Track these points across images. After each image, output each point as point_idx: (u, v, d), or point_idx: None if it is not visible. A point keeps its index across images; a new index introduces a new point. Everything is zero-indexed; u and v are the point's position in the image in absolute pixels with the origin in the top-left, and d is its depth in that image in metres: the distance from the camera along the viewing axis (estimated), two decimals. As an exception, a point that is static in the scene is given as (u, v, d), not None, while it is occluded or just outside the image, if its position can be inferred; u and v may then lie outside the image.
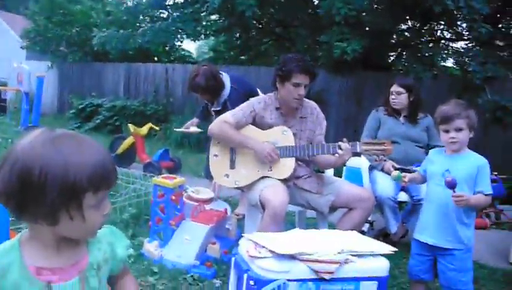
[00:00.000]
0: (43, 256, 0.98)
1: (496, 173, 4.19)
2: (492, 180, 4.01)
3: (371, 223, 3.51)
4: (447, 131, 2.05)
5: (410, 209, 3.30)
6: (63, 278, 0.98)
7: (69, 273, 0.99)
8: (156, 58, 11.15)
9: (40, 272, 0.97)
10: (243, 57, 10.34)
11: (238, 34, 9.32)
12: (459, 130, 2.02)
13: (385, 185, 3.06)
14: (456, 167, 2.03)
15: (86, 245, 1.03)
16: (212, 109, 3.64)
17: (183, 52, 12.16)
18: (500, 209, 4.26)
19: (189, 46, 16.46)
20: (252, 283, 1.70)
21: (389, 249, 1.90)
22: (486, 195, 2.00)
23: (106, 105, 9.08)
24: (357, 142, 2.53)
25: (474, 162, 2.03)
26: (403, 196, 3.17)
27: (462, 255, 2.06)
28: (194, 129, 3.99)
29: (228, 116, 2.69)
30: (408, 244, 3.13)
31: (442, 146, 3.19)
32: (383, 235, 3.29)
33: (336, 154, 2.49)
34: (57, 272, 0.98)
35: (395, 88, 3.29)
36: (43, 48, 10.85)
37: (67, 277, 0.99)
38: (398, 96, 3.27)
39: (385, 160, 3.12)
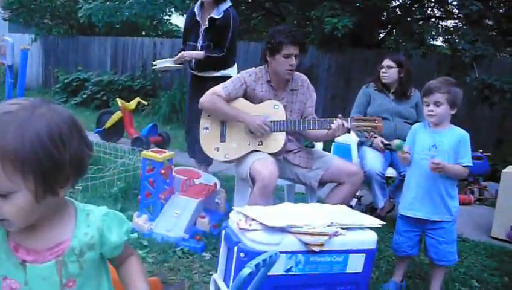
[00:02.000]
0: (22, 233, 0.96)
1: (482, 151, 4.27)
2: (478, 157, 4.11)
3: (359, 198, 3.56)
4: (427, 104, 2.09)
5: (397, 185, 3.35)
6: (37, 259, 0.96)
7: (43, 256, 0.96)
8: (143, 33, 10.93)
9: (17, 248, 0.96)
10: (231, 32, 10.19)
11: (227, 9, 9.14)
12: (438, 104, 2.06)
13: (374, 160, 3.10)
14: (441, 141, 2.09)
15: (72, 228, 0.99)
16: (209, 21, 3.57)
17: (171, 27, 11.94)
18: (484, 186, 4.35)
19: (178, 20, 16.16)
20: (242, 255, 1.72)
21: (377, 222, 1.93)
22: (464, 166, 2.07)
23: (93, 79, 8.93)
24: (348, 119, 2.54)
25: (456, 135, 2.10)
26: (390, 172, 3.21)
27: (450, 227, 2.14)
28: (172, 64, 3.84)
29: (219, 89, 2.67)
30: (395, 219, 3.21)
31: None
32: (370, 210, 3.34)
33: (333, 126, 2.49)
34: (31, 252, 0.96)
35: (386, 62, 3.30)
36: (26, 19, 10.53)
37: (40, 259, 0.96)
38: (389, 71, 3.28)
39: (375, 136, 3.15)
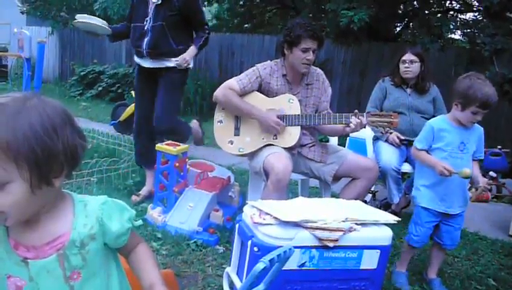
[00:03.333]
0: (20, 230, 0.96)
1: (500, 147, 4.18)
2: (496, 154, 4.04)
3: (374, 194, 3.52)
4: (476, 113, 2.06)
5: (413, 180, 3.30)
6: (37, 255, 0.95)
7: (44, 252, 0.95)
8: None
9: (17, 247, 0.96)
10: (246, 25, 10.15)
11: (242, 2, 9.12)
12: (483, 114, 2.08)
13: (389, 155, 3.05)
14: (468, 138, 2.14)
15: (71, 221, 0.98)
16: None
17: (186, 20, 11.93)
18: (502, 183, 4.27)
19: (192, 13, 16.14)
20: (256, 249, 1.71)
21: (392, 218, 1.90)
22: (479, 160, 2.21)
23: (108, 72, 8.99)
24: (364, 114, 2.51)
25: (478, 131, 2.19)
26: (406, 167, 3.17)
27: (464, 213, 2.26)
28: (98, 23, 3.03)
29: (233, 82, 2.65)
30: (410, 215, 3.17)
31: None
32: (385, 206, 3.31)
33: (351, 125, 2.46)
34: (30, 249, 0.96)
35: (408, 57, 3.21)
36: (43, 13, 10.64)
37: (41, 254, 0.95)
38: (412, 65, 3.20)
39: (391, 132, 3.11)
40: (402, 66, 3.23)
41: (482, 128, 2.19)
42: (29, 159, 0.84)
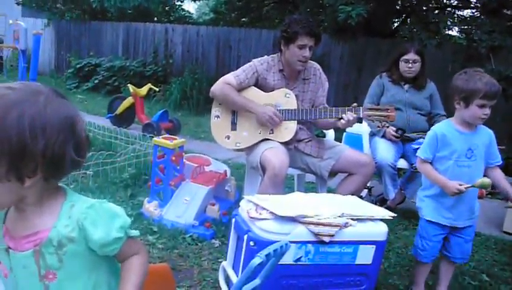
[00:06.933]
0: (12, 218, 0.96)
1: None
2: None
3: (370, 189, 3.54)
4: (483, 106, 1.87)
5: (408, 176, 3.32)
6: (16, 247, 0.94)
7: (21, 245, 0.94)
8: (155, 19, 10.90)
9: (5, 234, 0.96)
10: (244, 19, 10.13)
11: (239, -5, 9.09)
12: (491, 107, 1.89)
13: (385, 151, 3.06)
14: (476, 144, 1.94)
15: (55, 218, 0.94)
16: None
17: (183, 13, 11.89)
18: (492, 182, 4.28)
19: (190, 6, 16.08)
20: (252, 243, 1.72)
21: (388, 214, 1.91)
22: (499, 165, 1.99)
23: (105, 65, 8.95)
24: (360, 108, 2.51)
25: (486, 135, 1.98)
26: (402, 163, 3.18)
27: (474, 224, 2.07)
28: None
29: (230, 77, 2.65)
30: (405, 211, 3.19)
31: (444, 115, 3.19)
32: (381, 201, 3.32)
33: (342, 121, 2.47)
34: (11, 239, 0.95)
35: (411, 56, 3.19)
36: (39, 4, 10.56)
37: (19, 247, 0.94)
38: (414, 65, 3.20)
39: (387, 126, 3.11)
40: (404, 65, 3.22)
41: (491, 131, 1.99)
42: (2, 145, 0.83)
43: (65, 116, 0.90)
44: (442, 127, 2.01)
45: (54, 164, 0.88)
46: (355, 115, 2.46)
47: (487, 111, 1.87)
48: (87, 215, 0.95)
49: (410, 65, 3.20)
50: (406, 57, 3.21)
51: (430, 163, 2.00)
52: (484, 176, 1.96)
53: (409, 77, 3.23)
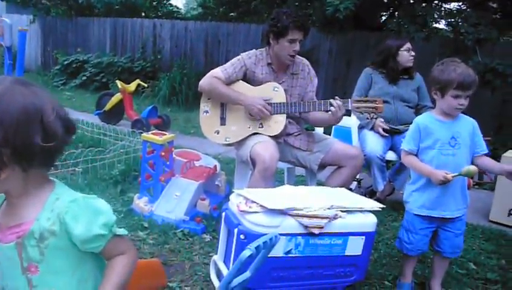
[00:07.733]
0: (3, 209, 0.97)
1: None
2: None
3: (359, 181, 3.57)
4: (458, 97, 1.88)
5: (397, 168, 3.36)
6: (2, 238, 0.94)
7: (5, 236, 0.94)
8: (143, 14, 10.80)
9: None
10: (232, 14, 10.08)
11: (227, -10, 9.04)
12: (467, 97, 1.89)
13: (374, 144, 3.09)
14: (458, 132, 1.94)
15: (39, 211, 0.94)
16: None
17: (171, 8, 11.79)
18: (484, 170, 4.35)
19: (178, 1, 15.97)
20: (242, 237, 1.73)
21: (377, 205, 1.94)
22: (486, 154, 1.99)
23: (92, 61, 8.86)
24: (349, 99, 2.53)
25: (469, 123, 1.99)
26: (390, 155, 3.21)
27: (464, 217, 2.06)
28: None
29: (218, 71, 2.65)
30: (394, 202, 3.23)
31: (431, 106, 3.23)
32: (370, 193, 3.35)
33: (329, 112, 2.48)
34: (0, 231, 0.96)
35: (409, 45, 3.27)
36: (24, 0, 10.40)
37: (4, 238, 0.94)
38: (413, 53, 3.28)
39: (376, 118, 3.13)
40: (407, 55, 3.25)
41: (474, 120, 2.00)
42: None
43: (25, 106, 0.87)
44: (423, 118, 2.04)
45: (21, 153, 0.87)
46: (341, 102, 2.47)
47: (462, 101, 1.88)
48: (68, 210, 0.94)
49: (412, 53, 3.27)
50: (407, 46, 3.27)
51: (416, 155, 2.01)
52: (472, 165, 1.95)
53: (410, 66, 3.29)
